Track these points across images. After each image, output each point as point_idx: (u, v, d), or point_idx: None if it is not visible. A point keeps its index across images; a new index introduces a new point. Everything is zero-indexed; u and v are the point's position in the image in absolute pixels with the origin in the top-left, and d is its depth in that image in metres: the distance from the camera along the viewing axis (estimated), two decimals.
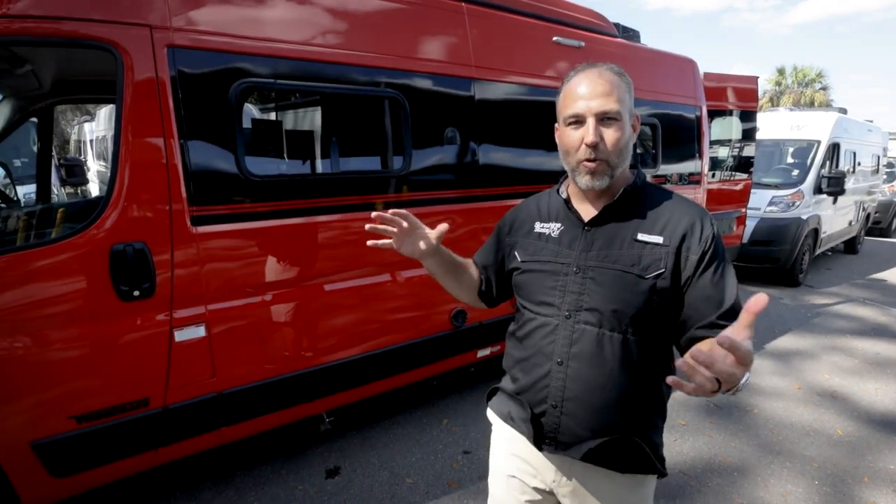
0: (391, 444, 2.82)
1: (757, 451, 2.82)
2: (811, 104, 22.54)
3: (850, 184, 7.59)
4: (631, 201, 1.07)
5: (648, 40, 4.13)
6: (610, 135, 1.00)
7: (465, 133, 2.71)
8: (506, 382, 1.23)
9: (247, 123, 2.36)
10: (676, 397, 3.25)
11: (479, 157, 2.77)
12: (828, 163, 7.05)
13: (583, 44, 3.25)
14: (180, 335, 1.97)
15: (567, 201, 1.12)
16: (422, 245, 1.16)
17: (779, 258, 6.40)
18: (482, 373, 3.66)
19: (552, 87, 3.12)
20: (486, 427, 3.16)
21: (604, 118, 1.00)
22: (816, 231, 6.91)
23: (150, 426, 1.97)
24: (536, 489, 1.18)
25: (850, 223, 8.37)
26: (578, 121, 1.02)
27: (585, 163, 1.01)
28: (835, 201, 7.27)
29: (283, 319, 2.23)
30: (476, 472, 2.60)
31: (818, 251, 7.31)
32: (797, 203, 6.55)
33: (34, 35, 1.69)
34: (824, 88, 25.00)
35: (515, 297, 1.23)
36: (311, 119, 3.23)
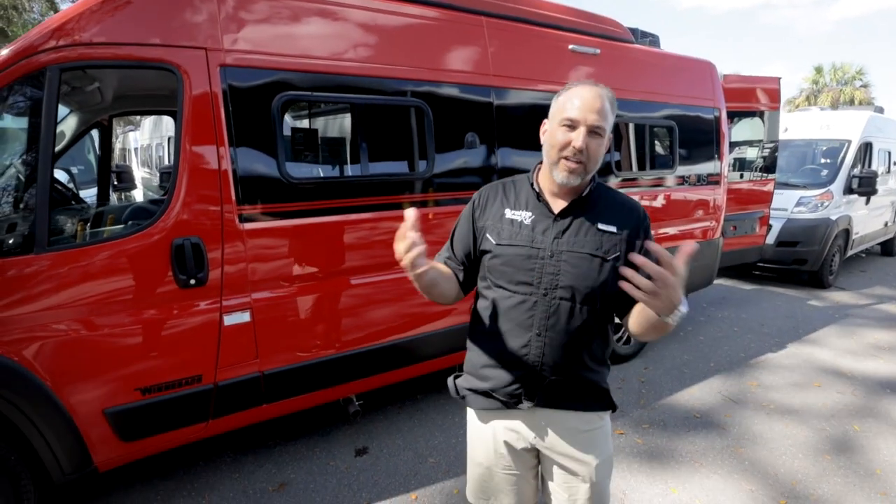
0: (415, 428, 3.03)
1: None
2: (851, 102, 21.77)
3: (884, 184, 7.43)
4: (593, 198, 1.29)
5: (681, 40, 4.39)
6: (593, 146, 1.21)
7: (484, 138, 2.90)
8: (475, 359, 1.36)
9: (287, 132, 2.63)
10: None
11: (498, 160, 2.96)
12: (859, 163, 6.93)
13: (598, 51, 3.40)
14: (229, 320, 2.22)
15: (538, 194, 1.30)
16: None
17: (806, 259, 6.33)
18: None
19: None
20: None
21: (592, 131, 1.20)
22: (847, 232, 6.80)
23: (202, 400, 2.23)
24: (523, 450, 1.37)
25: (885, 224, 8.16)
26: (573, 125, 1.20)
27: (567, 161, 1.21)
28: (868, 202, 7.13)
29: (317, 309, 2.46)
30: None
31: (850, 252, 7.17)
32: (826, 203, 6.47)
33: (107, 59, 1.97)
34: (865, 86, 24.11)
35: (479, 276, 1.36)
36: (343, 126, 3.49)
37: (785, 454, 2.80)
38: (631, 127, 3.76)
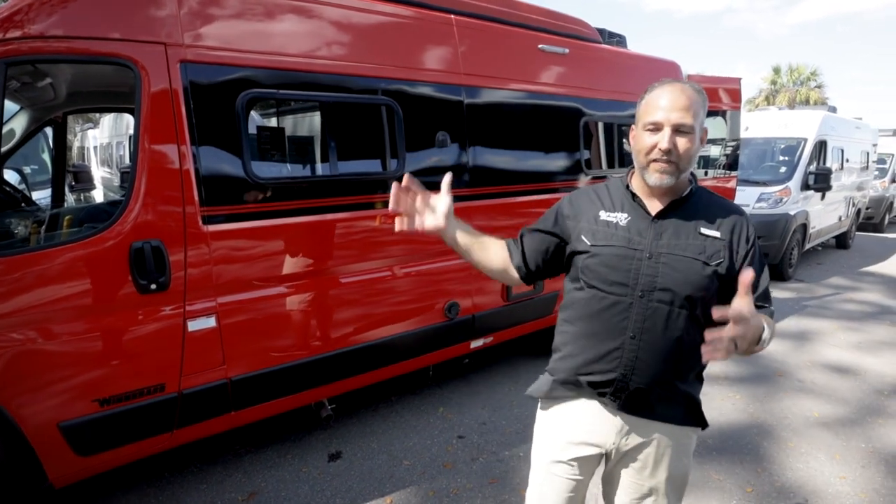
0: (389, 431, 2.99)
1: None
2: (806, 102, 22.71)
3: (838, 180, 7.77)
4: (692, 201, 1.26)
5: (648, 41, 4.37)
6: (682, 144, 1.17)
7: (455, 136, 2.89)
8: (561, 362, 1.34)
9: (253, 130, 2.55)
10: None
11: (470, 158, 2.95)
12: (815, 160, 7.23)
13: (567, 50, 3.44)
14: (193, 325, 2.14)
15: (634, 194, 1.28)
16: (438, 211, 1.29)
17: (767, 253, 6.57)
18: (477, 363, 3.84)
19: (540, 91, 3.31)
20: (480, 414, 3.35)
21: (678, 130, 1.16)
22: (805, 226, 7.08)
23: (166, 410, 2.14)
24: (592, 455, 1.33)
25: (839, 218, 8.54)
26: (656, 128, 1.18)
27: (656, 163, 1.18)
28: (823, 197, 7.44)
29: (286, 312, 2.40)
30: (469, 454, 2.77)
31: (807, 246, 7.48)
32: (785, 199, 6.73)
33: (61, 53, 1.87)
34: (819, 87, 25.16)
35: (568, 278, 1.36)
36: (312, 125, 3.42)
37: (750, 443, 2.89)
38: (600, 126, 3.81)
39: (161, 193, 2.03)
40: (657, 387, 1.24)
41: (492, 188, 3.07)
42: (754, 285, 1.15)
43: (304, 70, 2.35)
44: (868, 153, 9.74)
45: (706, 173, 6.08)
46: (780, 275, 6.75)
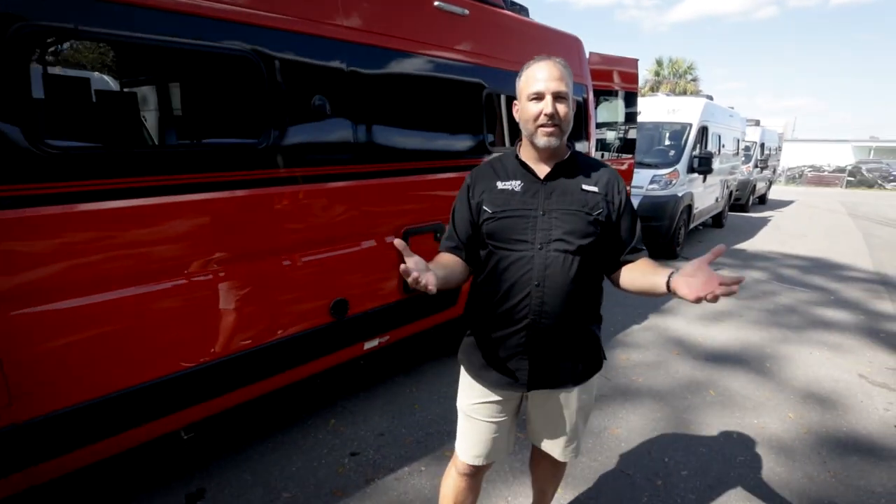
0: (267, 455, 2.52)
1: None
2: (684, 93, 24.86)
3: (716, 164, 8.38)
4: (573, 163, 1.45)
5: None
6: (562, 109, 1.36)
7: (337, 104, 2.41)
8: (477, 326, 1.52)
9: (44, 82, 1.86)
10: None
11: (356, 131, 2.50)
12: (698, 145, 7.69)
13: (467, 11, 3.08)
14: None
15: (524, 163, 1.45)
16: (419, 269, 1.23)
17: (660, 232, 6.88)
18: (375, 363, 3.45)
19: (437, 56, 2.93)
20: (378, 423, 2.95)
21: (557, 96, 1.34)
22: (690, 207, 7.54)
23: None
24: (512, 400, 1.57)
25: (716, 199, 9.28)
26: (539, 97, 1.35)
27: (543, 128, 1.35)
28: (704, 180, 7.97)
29: (101, 327, 1.80)
30: (364, 475, 2.39)
31: (692, 225, 8.01)
32: (674, 181, 7.07)
33: None
34: (695, 80, 27.68)
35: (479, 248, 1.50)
36: (135, 78, 2.72)
37: (655, 427, 2.83)
38: (502, 99, 3.53)
39: None
40: (563, 327, 1.42)
41: (381, 165, 2.65)
42: (631, 230, 1.47)
43: (117, 0, 1.73)
44: (738, 140, 10.70)
45: (603, 156, 6.17)
46: (671, 253, 7.12)
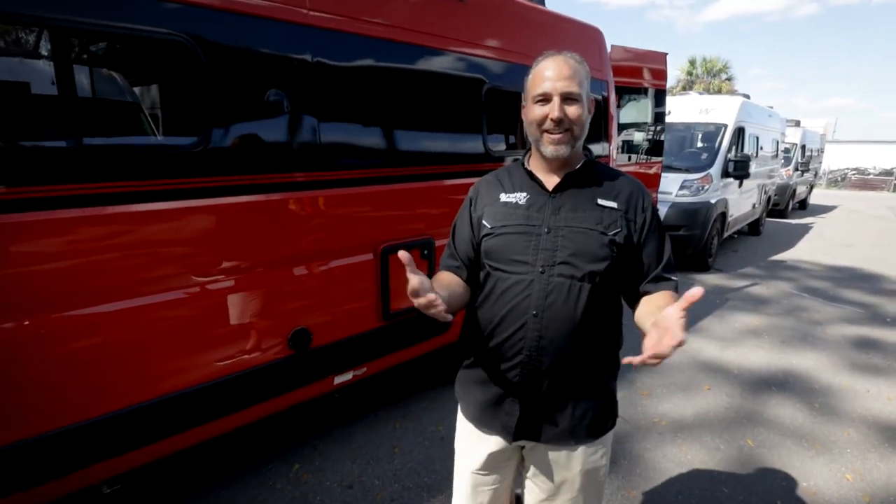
0: None
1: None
2: (718, 92, 23.79)
3: (752, 168, 7.72)
4: (587, 173, 1.25)
5: None
6: (572, 111, 1.17)
7: (298, 99, 2.04)
8: (473, 358, 1.31)
9: None
10: None
11: (320, 132, 2.12)
12: (734, 147, 7.07)
13: None
14: None
15: (530, 173, 1.26)
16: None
17: (690, 243, 6.31)
18: (354, 394, 3.06)
19: (425, 44, 2.53)
20: (349, 470, 2.54)
21: (567, 98, 1.16)
22: (724, 215, 6.93)
23: None
24: (508, 459, 1.34)
25: (753, 206, 8.59)
26: (545, 99, 1.17)
27: (549, 134, 1.18)
28: (740, 185, 7.34)
29: (6, 363, 1.49)
30: None
31: (726, 234, 7.38)
32: (706, 187, 6.49)
33: None
34: (729, 79, 26.50)
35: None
36: (46, 64, 2.41)
37: (681, 490, 2.35)
38: (509, 97, 3.10)
39: None
40: (565, 371, 1.20)
41: (351, 172, 2.27)
42: (657, 255, 1.23)
43: None
44: (778, 141, 9.94)
45: (629, 159, 5.66)
46: (702, 264, 6.54)
